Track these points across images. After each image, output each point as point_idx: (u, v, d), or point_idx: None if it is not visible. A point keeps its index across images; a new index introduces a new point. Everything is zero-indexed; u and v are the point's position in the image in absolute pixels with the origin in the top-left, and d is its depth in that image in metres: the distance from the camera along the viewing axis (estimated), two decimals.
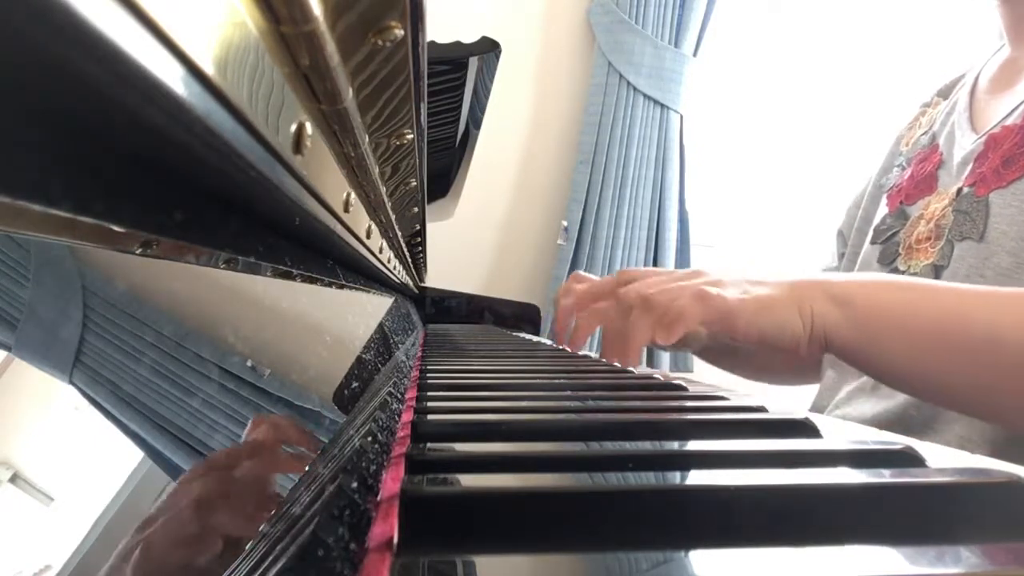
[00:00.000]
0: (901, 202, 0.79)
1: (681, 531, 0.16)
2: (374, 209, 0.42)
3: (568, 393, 0.38)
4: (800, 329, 0.53)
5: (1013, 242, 0.62)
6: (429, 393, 0.35)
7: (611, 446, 0.22)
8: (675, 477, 0.19)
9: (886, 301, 0.52)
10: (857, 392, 0.74)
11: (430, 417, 0.27)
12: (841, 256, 0.91)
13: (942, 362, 0.49)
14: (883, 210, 0.82)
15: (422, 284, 1.33)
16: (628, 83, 1.82)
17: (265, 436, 0.24)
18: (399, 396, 0.33)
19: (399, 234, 0.60)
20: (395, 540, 0.14)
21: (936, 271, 0.69)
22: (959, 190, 0.69)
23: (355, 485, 0.17)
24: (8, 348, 0.14)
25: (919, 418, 0.65)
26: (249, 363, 0.24)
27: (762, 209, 2.05)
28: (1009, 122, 0.67)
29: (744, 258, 2.02)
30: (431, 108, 0.58)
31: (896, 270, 0.75)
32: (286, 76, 0.18)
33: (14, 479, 0.14)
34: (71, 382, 0.16)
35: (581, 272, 0.85)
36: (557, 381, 0.42)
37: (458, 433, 0.26)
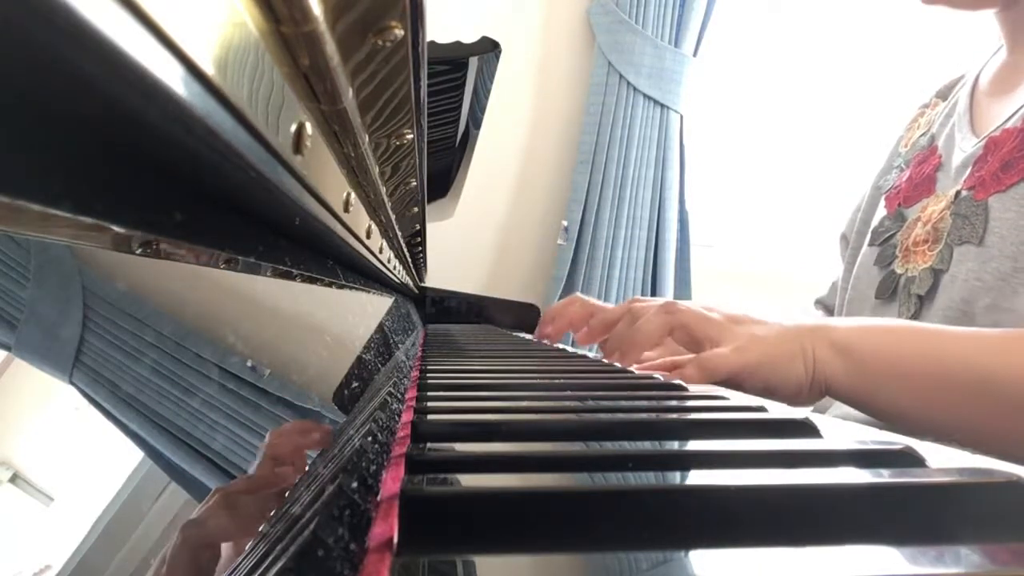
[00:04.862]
0: (899, 204, 0.79)
1: (681, 531, 0.16)
2: (374, 209, 0.42)
3: (568, 393, 0.38)
4: (803, 378, 0.54)
5: (1013, 247, 0.62)
6: (429, 393, 0.35)
7: (611, 446, 0.22)
8: (675, 477, 0.19)
9: (886, 350, 0.53)
10: None
11: (430, 417, 0.27)
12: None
13: (942, 406, 0.51)
14: (881, 212, 0.82)
15: (422, 284, 1.33)
16: (628, 83, 1.82)
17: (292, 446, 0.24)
18: (399, 396, 0.33)
19: (399, 234, 0.60)
20: (395, 540, 0.14)
21: (935, 275, 0.68)
22: (957, 193, 0.69)
23: (355, 485, 0.17)
24: (8, 348, 0.14)
25: None
26: (249, 363, 0.24)
27: (762, 209, 2.05)
28: (1009, 125, 0.66)
29: (744, 258, 2.01)
30: (431, 108, 0.58)
31: (893, 273, 0.75)
32: (286, 76, 0.18)
33: (14, 479, 0.14)
34: (71, 382, 0.16)
35: (582, 296, 0.86)
36: (557, 381, 0.42)
37: (458, 433, 0.26)
